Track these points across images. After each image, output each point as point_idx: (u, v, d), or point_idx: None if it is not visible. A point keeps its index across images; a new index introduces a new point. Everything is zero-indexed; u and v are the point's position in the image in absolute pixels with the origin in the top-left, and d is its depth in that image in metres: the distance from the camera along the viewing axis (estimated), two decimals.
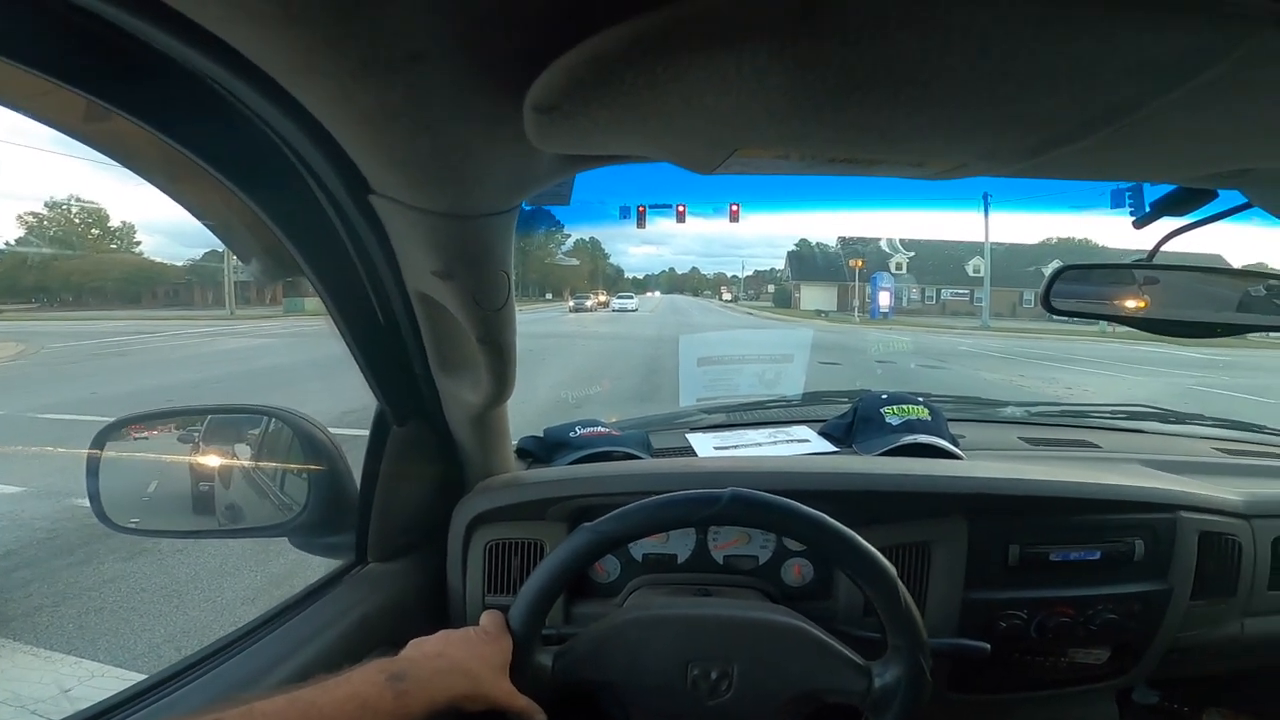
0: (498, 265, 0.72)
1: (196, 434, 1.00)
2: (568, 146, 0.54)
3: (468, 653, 0.68)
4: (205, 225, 0.68)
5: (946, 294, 31.36)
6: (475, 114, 0.49)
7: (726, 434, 1.34)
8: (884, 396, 1.31)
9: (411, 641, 0.71)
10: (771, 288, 41.26)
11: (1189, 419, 1.59)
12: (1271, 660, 1.13)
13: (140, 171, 0.62)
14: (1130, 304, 0.91)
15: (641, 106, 0.44)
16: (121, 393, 7.32)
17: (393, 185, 0.60)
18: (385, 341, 0.83)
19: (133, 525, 0.96)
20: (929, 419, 1.24)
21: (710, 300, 44.71)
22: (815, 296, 32.64)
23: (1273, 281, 0.87)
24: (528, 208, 0.80)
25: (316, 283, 0.70)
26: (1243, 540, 1.06)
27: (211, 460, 0.98)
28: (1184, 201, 0.81)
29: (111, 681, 2.30)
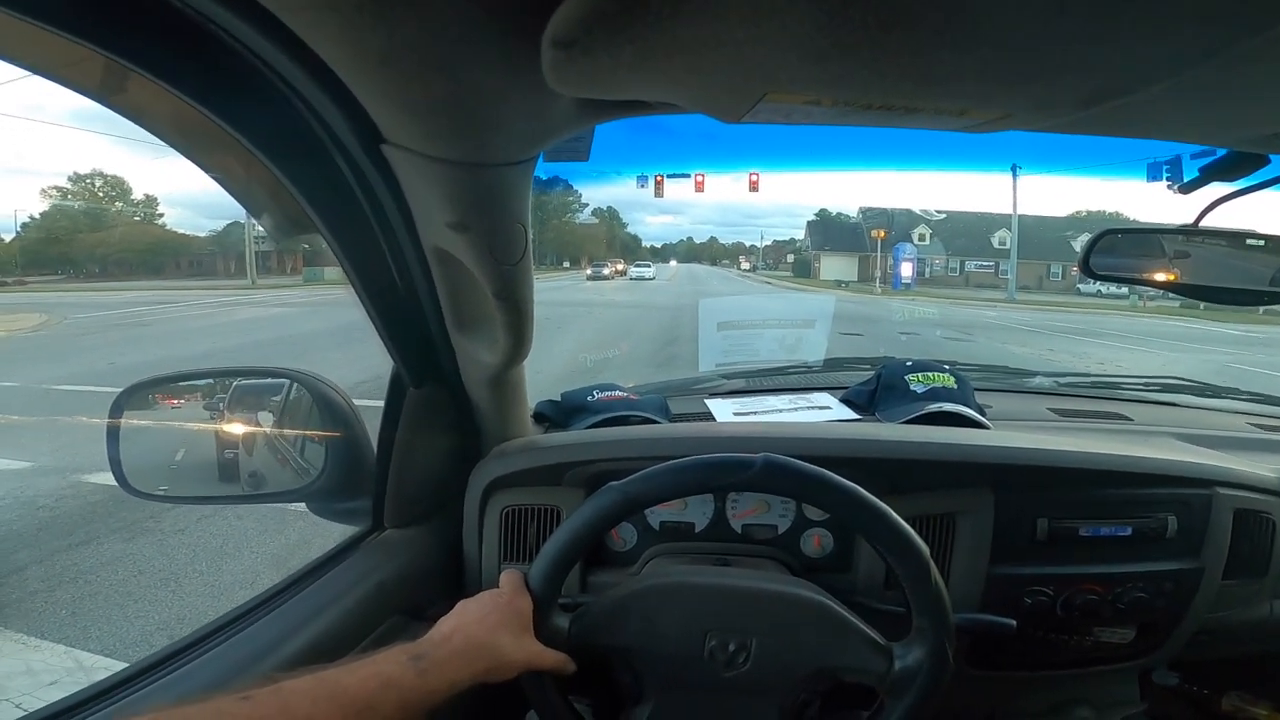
0: (514, 218, 0.70)
1: (222, 401, 1.00)
2: (587, 89, 0.51)
3: (485, 627, 0.68)
4: (215, 179, 0.67)
5: (971, 265, 30.84)
6: (491, 52, 0.46)
7: (746, 400, 1.32)
8: (908, 364, 1.28)
9: (441, 620, 0.71)
10: (791, 258, 40.84)
11: (1224, 393, 1.53)
12: None
13: (151, 128, 0.61)
14: (1173, 270, 0.88)
15: (666, 42, 0.41)
16: (139, 362, 7.25)
17: (405, 133, 0.58)
18: (401, 299, 0.81)
19: (161, 492, 0.98)
20: (955, 387, 1.21)
21: (728, 269, 44.28)
22: (836, 266, 32.29)
23: None
24: (546, 164, 0.77)
25: (330, 238, 0.69)
26: (1277, 519, 1.02)
27: (236, 427, 0.99)
28: (1236, 166, 0.77)
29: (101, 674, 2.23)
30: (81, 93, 0.56)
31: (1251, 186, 0.78)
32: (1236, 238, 0.87)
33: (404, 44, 0.44)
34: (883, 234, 29.00)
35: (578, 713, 0.76)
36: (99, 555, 3.07)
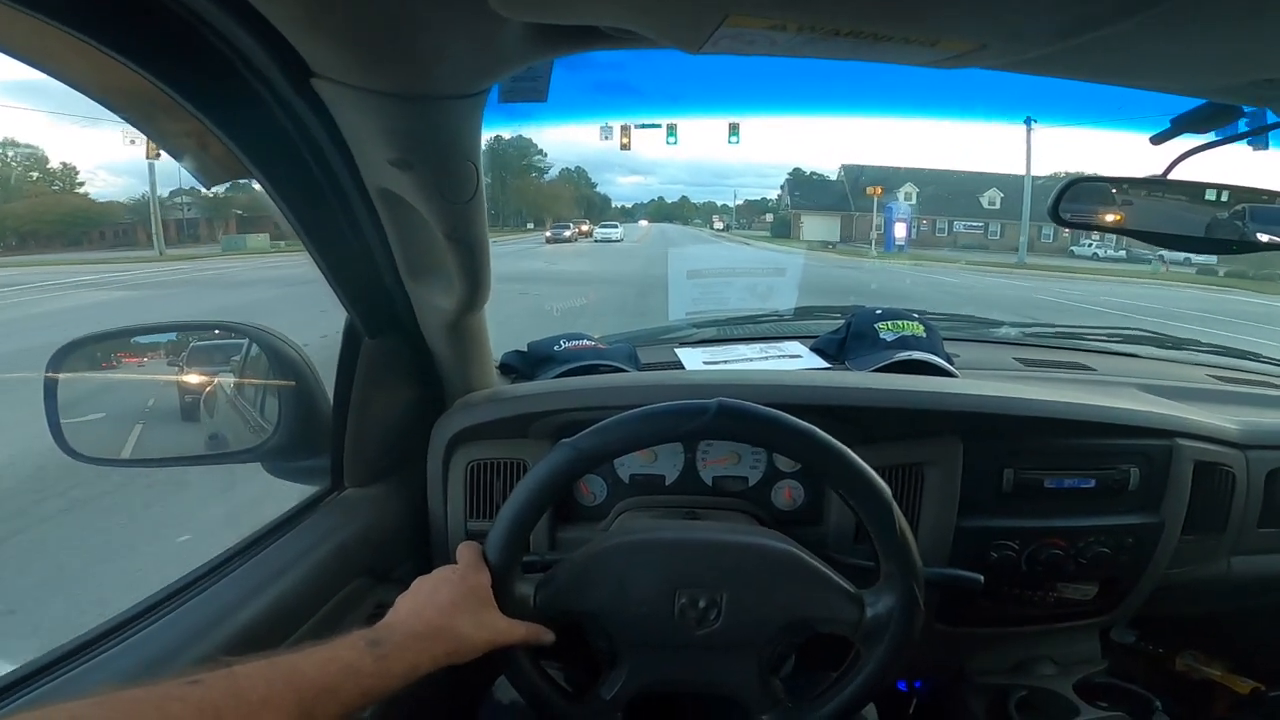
0: (464, 155, 0.66)
1: (180, 362, 0.97)
2: (533, 10, 0.48)
3: (440, 610, 0.65)
4: (130, 122, 0.61)
5: (959, 226, 30.21)
6: None
7: (716, 348, 1.31)
8: (878, 311, 1.27)
9: (398, 599, 0.68)
10: (769, 217, 40.09)
11: (1185, 344, 1.56)
12: (1253, 602, 1.14)
13: (62, 77, 0.56)
14: (1133, 215, 0.88)
15: None
16: None
17: (335, 65, 0.53)
18: (348, 243, 0.77)
19: (122, 456, 0.93)
20: (924, 336, 1.21)
21: (701, 229, 43.50)
22: (818, 226, 31.75)
23: (1238, 207, 0.86)
24: (503, 105, 0.73)
25: (264, 180, 0.64)
26: (1237, 472, 1.04)
27: (196, 386, 0.96)
28: (1208, 118, 0.75)
29: None
30: None
31: (1223, 139, 0.77)
32: (1202, 188, 0.87)
33: None
34: (879, 191, 28.20)
35: (552, 679, 0.75)
36: None
